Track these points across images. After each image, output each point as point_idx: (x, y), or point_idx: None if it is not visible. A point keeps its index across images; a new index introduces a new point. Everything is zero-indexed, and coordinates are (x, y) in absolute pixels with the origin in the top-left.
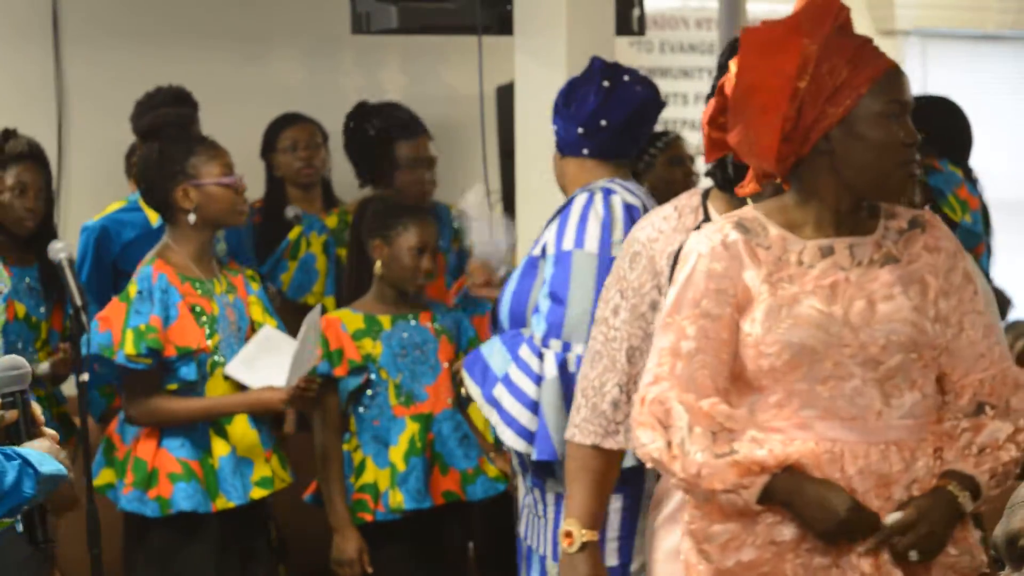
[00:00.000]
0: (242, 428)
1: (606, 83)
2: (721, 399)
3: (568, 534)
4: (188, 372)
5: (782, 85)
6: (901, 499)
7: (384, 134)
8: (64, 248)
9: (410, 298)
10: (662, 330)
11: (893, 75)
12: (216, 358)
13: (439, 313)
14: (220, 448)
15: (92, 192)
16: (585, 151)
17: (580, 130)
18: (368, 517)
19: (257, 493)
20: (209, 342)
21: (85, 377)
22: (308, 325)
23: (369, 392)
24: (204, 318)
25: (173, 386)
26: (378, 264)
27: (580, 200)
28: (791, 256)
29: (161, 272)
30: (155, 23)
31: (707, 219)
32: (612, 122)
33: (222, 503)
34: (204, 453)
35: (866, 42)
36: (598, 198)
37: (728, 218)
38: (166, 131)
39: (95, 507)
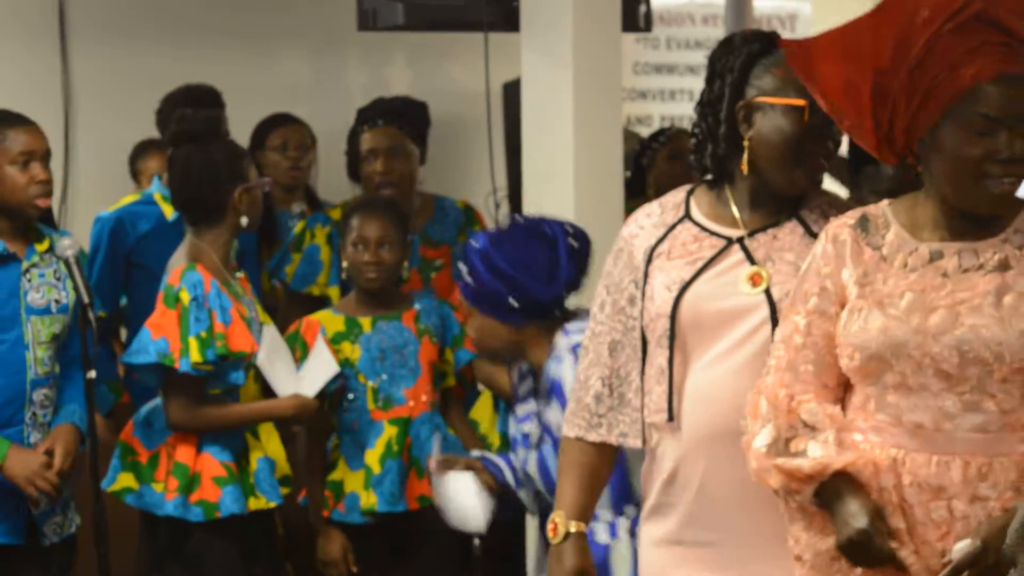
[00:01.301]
0: (268, 428)
1: (574, 243)
2: (821, 395)
3: (554, 525)
4: (238, 377)
5: (864, 89)
6: (964, 513)
7: (355, 127)
8: (71, 245)
9: (392, 297)
10: (782, 320)
11: (998, 85)
12: (251, 360)
13: (425, 310)
14: (257, 450)
15: (98, 188)
16: (550, 315)
17: (558, 294)
18: (324, 513)
19: (284, 491)
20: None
21: (92, 374)
22: (319, 347)
23: (350, 396)
24: (245, 322)
25: (216, 390)
26: (344, 264)
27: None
28: (898, 258)
29: (212, 278)
30: (161, 20)
31: (687, 215)
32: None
33: (256, 504)
34: (242, 455)
35: (987, 42)
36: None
37: (854, 214)
38: (208, 134)
39: (103, 506)
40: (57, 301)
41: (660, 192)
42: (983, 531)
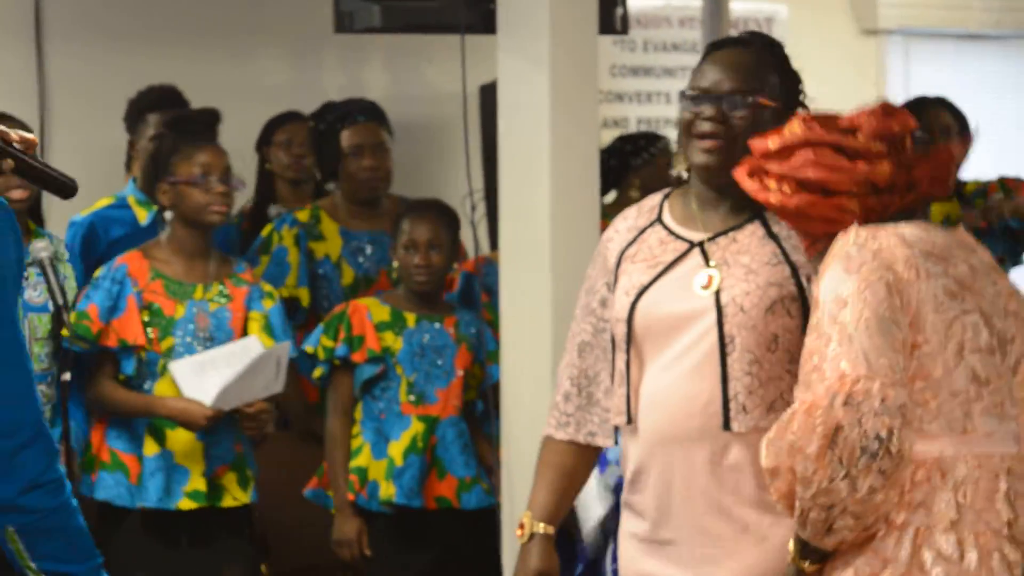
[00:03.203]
0: (182, 435)
1: None
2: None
3: (521, 525)
4: (127, 366)
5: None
6: None
7: (331, 125)
8: (46, 247)
9: (437, 300)
10: None
11: None
12: (168, 360)
13: (464, 321)
14: (150, 448)
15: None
16: None
17: None
18: (350, 496)
19: (185, 504)
20: (162, 344)
21: (67, 376)
22: (269, 354)
23: (382, 384)
24: (158, 319)
25: (122, 377)
26: (395, 264)
27: None
28: None
29: (124, 263)
30: (138, 19)
31: (659, 219)
32: None
33: (142, 502)
34: (137, 448)
35: None
36: None
37: None
38: (161, 129)
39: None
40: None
41: (645, 193)
42: None
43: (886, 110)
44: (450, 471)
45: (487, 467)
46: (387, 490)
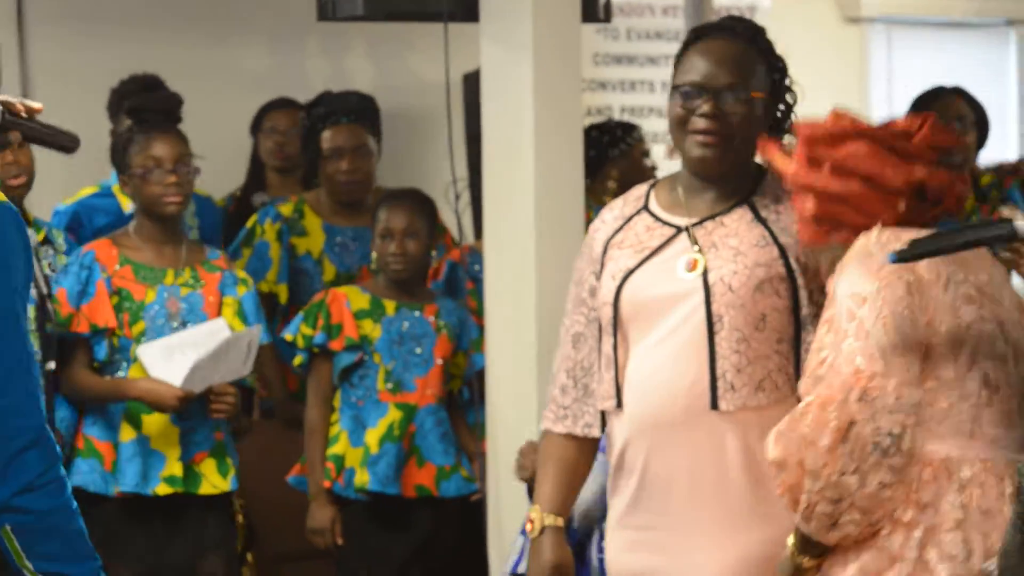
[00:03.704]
0: (158, 420)
1: None
2: None
3: (530, 520)
4: (99, 351)
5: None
6: None
7: (315, 123)
8: (30, 235)
9: (418, 289)
10: None
11: None
12: (139, 345)
13: (445, 309)
14: (126, 433)
15: (58, 175)
16: None
17: None
18: (326, 484)
19: (162, 490)
20: (133, 328)
21: (52, 365)
22: (239, 337)
23: (360, 372)
24: (128, 303)
25: (97, 364)
26: (373, 255)
27: None
28: None
29: (92, 249)
30: (121, 5)
31: (645, 206)
32: None
33: (117, 488)
34: (113, 435)
35: None
36: None
37: None
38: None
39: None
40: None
41: (627, 186)
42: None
43: (937, 123)
44: (429, 459)
45: (469, 455)
46: (362, 477)
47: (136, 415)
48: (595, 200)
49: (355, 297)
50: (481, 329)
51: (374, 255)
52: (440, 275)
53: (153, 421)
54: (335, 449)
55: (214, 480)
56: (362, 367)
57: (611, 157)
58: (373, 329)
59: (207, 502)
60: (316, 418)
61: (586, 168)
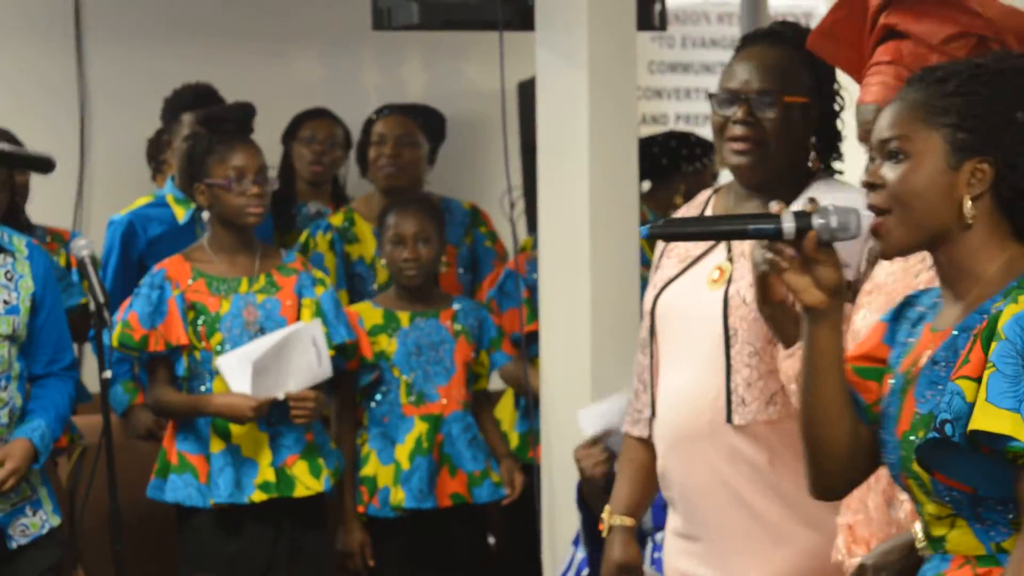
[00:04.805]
0: (245, 428)
1: None
2: None
3: (600, 521)
4: (179, 367)
5: None
6: None
7: (369, 120)
8: (87, 245)
9: (432, 295)
10: None
11: None
12: (219, 357)
13: (462, 311)
14: (216, 444)
15: (114, 189)
16: None
17: None
18: (360, 509)
19: (257, 496)
20: (211, 340)
21: (108, 374)
22: (293, 333)
23: (381, 389)
24: (204, 317)
25: (180, 378)
26: (383, 262)
27: None
28: None
29: (163, 268)
30: (176, 20)
31: (702, 215)
32: None
33: (213, 499)
34: (204, 448)
35: None
36: None
37: None
38: (196, 128)
39: (118, 504)
40: (6, 302)
41: (688, 199)
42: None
43: None
44: (460, 467)
45: (497, 457)
46: (396, 495)
47: (223, 425)
48: (654, 207)
49: (368, 313)
50: (501, 330)
51: (383, 262)
52: (495, 283)
53: (241, 429)
54: (367, 470)
55: (307, 482)
56: (383, 383)
57: (684, 171)
58: (389, 344)
59: (300, 505)
60: (341, 440)
61: (655, 174)
